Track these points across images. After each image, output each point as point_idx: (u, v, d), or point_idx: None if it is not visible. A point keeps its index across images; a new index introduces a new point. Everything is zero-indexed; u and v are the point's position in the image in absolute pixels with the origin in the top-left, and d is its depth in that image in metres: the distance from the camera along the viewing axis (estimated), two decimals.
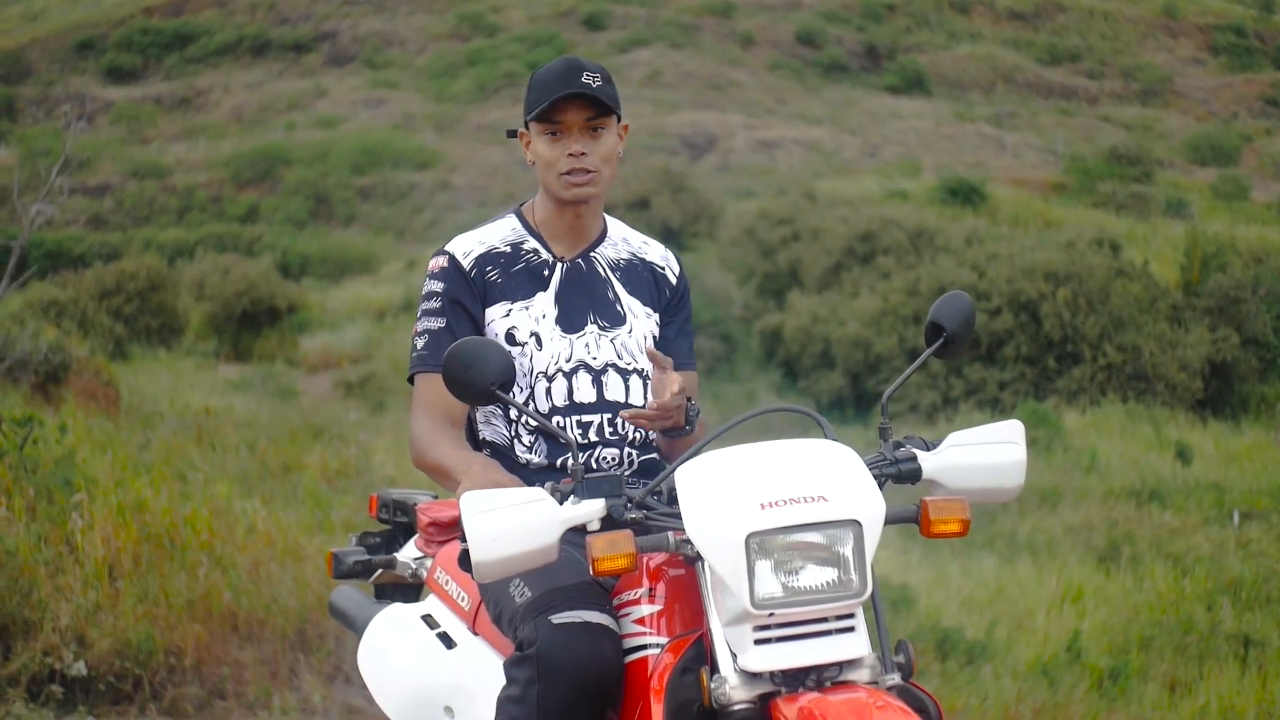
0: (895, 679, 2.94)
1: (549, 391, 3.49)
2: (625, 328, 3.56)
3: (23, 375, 11.61)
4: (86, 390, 12.70)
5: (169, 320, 27.50)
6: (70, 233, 41.20)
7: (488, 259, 3.53)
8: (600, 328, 3.54)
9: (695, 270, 25.96)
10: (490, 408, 3.53)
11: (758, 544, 2.86)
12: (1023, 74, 61.98)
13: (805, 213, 31.45)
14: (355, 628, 3.94)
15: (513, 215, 3.63)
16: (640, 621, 3.19)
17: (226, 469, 10.47)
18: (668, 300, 3.66)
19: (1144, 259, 28.21)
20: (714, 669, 2.95)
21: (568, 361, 3.50)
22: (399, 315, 30.13)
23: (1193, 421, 23.86)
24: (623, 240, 3.67)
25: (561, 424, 3.46)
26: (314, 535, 8.28)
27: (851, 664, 2.93)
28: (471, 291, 3.51)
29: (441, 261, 3.54)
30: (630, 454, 3.52)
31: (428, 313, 3.52)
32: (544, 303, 3.53)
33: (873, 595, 2.96)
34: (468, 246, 3.55)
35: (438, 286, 3.52)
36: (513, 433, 3.52)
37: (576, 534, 3.04)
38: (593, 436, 3.49)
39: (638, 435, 3.54)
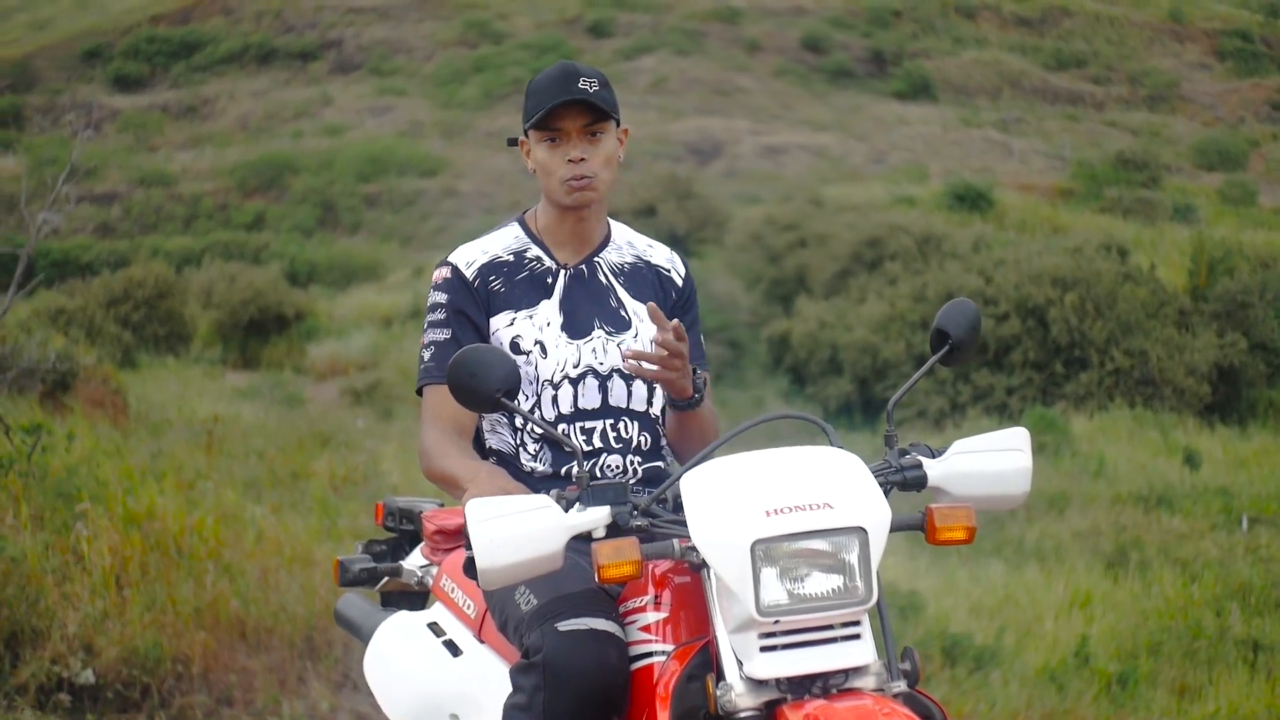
0: (901, 686, 2.94)
1: (555, 399, 3.49)
2: (631, 332, 3.56)
3: (30, 384, 11.63)
4: (94, 398, 12.73)
5: (176, 328, 27.56)
6: (78, 241, 41.28)
7: (491, 268, 3.54)
8: (607, 333, 3.54)
9: (702, 277, 25.85)
10: (496, 416, 3.54)
11: (763, 551, 2.86)
12: (1029, 79, 61.91)
13: (812, 219, 31.44)
14: (361, 635, 3.94)
15: (515, 223, 3.63)
16: (646, 629, 3.19)
17: (234, 476, 10.48)
18: (674, 302, 3.65)
19: (1151, 264, 28.21)
20: (720, 676, 2.94)
21: (574, 367, 3.50)
22: (406, 322, 30.11)
23: (1200, 426, 23.82)
24: (627, 244, 3.67)
25: (567, 431, 3.46)
26: (322, 542, 8.29)
27: (857, 671, 2.92)
28: (475, 301, 3.51)
29: (445, 273, 3.55)
30: (634, 461, 3.52)
31: (433, 324, 3.53)
32: (548, 310, 3.53)
33: (878, 602, 2.95)
34: (470, 256, 3.56)
35: (442, 298, 3.53)
36: (518, 441, 3.52)
37: (582, 541, 3.04)
38: (597, 443, 3.49)
39: (642, 439, 3.53)
